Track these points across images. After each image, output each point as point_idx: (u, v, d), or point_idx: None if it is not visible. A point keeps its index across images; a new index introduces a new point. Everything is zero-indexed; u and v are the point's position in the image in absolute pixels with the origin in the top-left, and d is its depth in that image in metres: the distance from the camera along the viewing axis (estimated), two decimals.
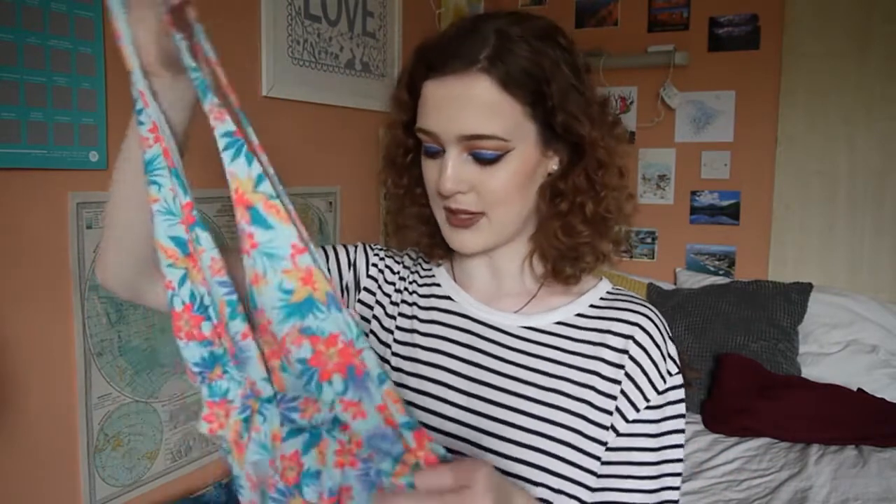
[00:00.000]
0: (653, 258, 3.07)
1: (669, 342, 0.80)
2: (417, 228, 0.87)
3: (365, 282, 0.90)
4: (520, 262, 0.84)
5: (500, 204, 0.76)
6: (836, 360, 2.50)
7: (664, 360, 0.79)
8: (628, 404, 0.77)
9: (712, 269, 2.96)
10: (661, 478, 0.77)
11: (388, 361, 0.85)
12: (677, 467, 0.78)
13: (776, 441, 2.21)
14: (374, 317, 0.88)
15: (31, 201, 1.39)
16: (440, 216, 0.80)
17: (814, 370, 2.49)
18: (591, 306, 0.82)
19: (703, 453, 2.15)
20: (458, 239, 0.79)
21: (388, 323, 0.88)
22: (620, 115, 0.84)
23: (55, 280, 1.44)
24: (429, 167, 0.79)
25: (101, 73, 1.48)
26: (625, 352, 0.78)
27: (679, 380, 0.80)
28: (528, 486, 0.75)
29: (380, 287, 0.90)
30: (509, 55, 0.72)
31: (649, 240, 3.07)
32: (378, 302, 0.89)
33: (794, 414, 2.22)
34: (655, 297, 2.81)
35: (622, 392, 0.77)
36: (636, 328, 0.79)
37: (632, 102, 3.04)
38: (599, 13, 3.07)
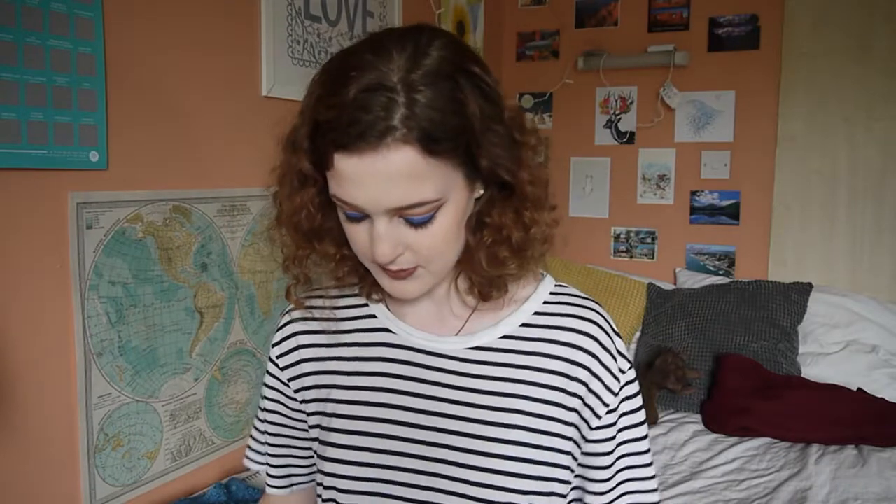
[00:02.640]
0: (653, 258, 3.07)
1: (617, 339, 0.80)
2: (342, 269, 0.81)
3: (300, 395, 0.87)
4: (450, 281, 0.81)
5: (438, 256, 0.73)
6: (836, 360, 2.50)
7: (615, 360, 0.79)
8: (591, 413, 0.78)
9: (712, 269, 2.96)
10: (621, 471, 0.81)
11: (339, 415, 0.82)
12: (641, 456, 0.81)
13: (776, 441, 2.21)
14: (315, 396, 0.86)
15: (31, 201, 1.39)
16: (372, 268, 0.76)
17: (814, 370, 2.49)
18: (536, 314, 0.80)
19: (703, 453, 2.15)
20: (398, 288, 0.75)
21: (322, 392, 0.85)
22: (525, 110, 0.78)
23: (55, 280, 1.44)
24: (355, 231, 0.72)
25: (101, 73, 1.48)
26: (577, 364, 0.78)
27: (632, 374, 0.80)
28: (510, 494, 0.75)
29: (303, 376, 0.87)
30: (426, 111, 0.64)
31: (649, 240, 3.07)
32: (312, 385, 0.86)
33: (794, 414, 2.22)
34: (655, 297, 2.81)
35: (583, 403, 0.78)
36: (585, 338, 0.78)
37: (632, 102, 3.04)
38: (599, 13, 3.07)
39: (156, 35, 1.61)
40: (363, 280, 0.82)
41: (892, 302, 2.63)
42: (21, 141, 1.34)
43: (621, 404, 0.79)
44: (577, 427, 0.78)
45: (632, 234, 3.09)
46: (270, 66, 1.91)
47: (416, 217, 0.69)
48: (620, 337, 0.81)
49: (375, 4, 2.33)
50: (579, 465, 0.80)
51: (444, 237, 0.71)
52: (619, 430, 0.80)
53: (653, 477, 0.82)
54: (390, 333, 0.83)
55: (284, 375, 0.88)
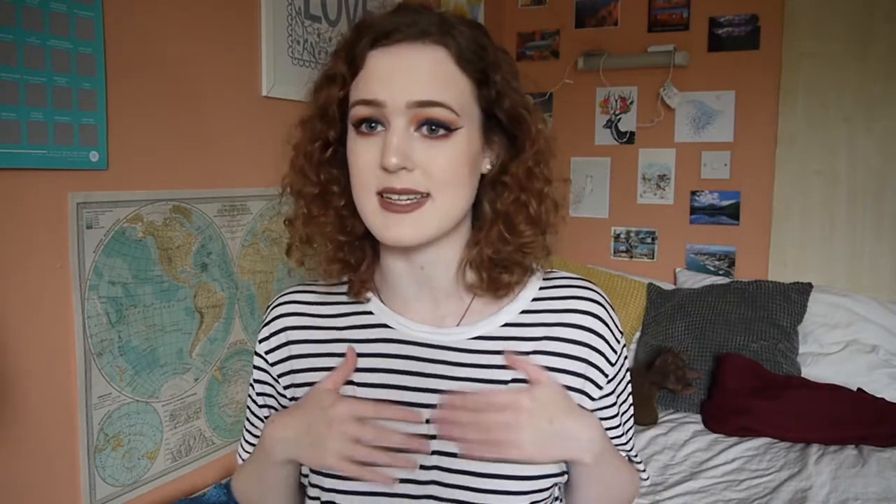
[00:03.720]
0: (653, 258, 3.07)
1: (613, 313, 0.83)
2: (334, 255, 0.79)
3: (289, 392, 0.86)
4: (454, 272, 0.80)
5: (448, 185, 0.72)
6: (836, 360, 2.50)
7: (612, 333, 0.82)
8: (593, 385, 0.80)
9: (712, 269, 2.96)
10: (627, 422, 0.87)
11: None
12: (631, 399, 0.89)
13: (776, 441, 2.21)
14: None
15: (31, 201, 1.39)
16: (371, 206, 0.72)
17: (814, 370, 2.49)
18: (534, 300, 0.81)
19: (703, 453, 2.15)
20: (396, 229, 0.71)
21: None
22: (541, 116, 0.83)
23: (55, 280, 1.44)
24: (362, 148, 0.72)
25: (101, 73, 1.48)
26: (584, 344, 0.80)
27: (622, 339, 0.84)
28: (509, 497, 0.76)
29: (294, 374, 0.85)
30: (458, 35, 0.73)
31: (649, 240, 3.07)
32: (304, 384, 0.84)
33: (794, 414, 2.22)
34: (655, 297, 2.81)
35: (586, 378, 0.80)
36: (586, 316, 0.80)
37: (632, 102, 3.04)
38: (599, 13, 3.06)
39: (156, 34, 1.61)
40: (355, 272, 0.81)
41: (892, 302, 2.62)
42: (21, 141, 1.34)
43: (619, 372, 0.83)
44: (580, 402, 0.80)
45: (632, 234, 3.09)
46: (270, 66, 1.91)
47: (434, 119, 0.70)
48: (614, 309, 0.84)
49: (375, 5, 2.33)
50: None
51: (457, 162, 0.72)
52: (619, 394, 0.84)
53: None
54: (388, 329, 0.81)
55: (274, 371, 0.86)
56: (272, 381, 0.87)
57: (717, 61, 2.88)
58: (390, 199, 0.71)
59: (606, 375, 0.81)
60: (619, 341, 0.83)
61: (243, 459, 0.93)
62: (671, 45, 2.90)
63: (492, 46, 0.76)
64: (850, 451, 2.10)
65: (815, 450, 2.12)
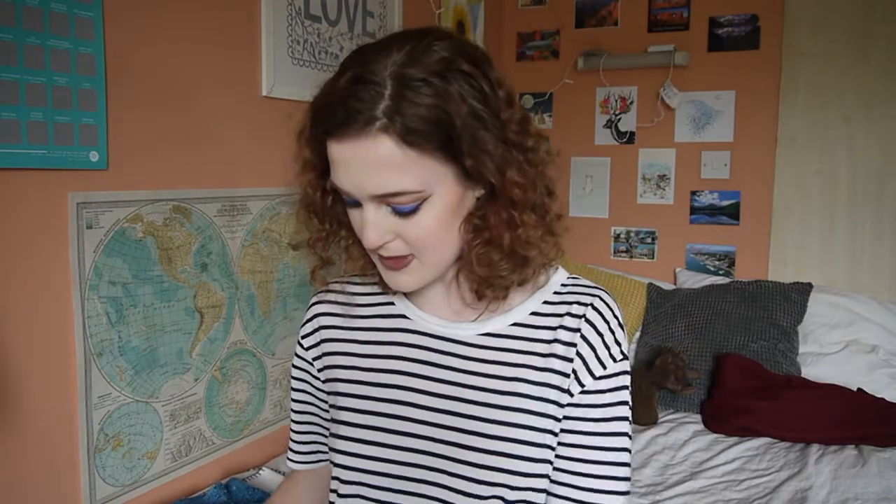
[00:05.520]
0: (653, 258, 3.07)
1: (619, 330, 0.81)
2: (358, 261, 0.86)
3: (322, 374, 0.93)
4: (454, 276, 0.84)
5: (428, 247, 0.75)
6: (836, 360, 2.50)
7: (612, 344, 0.79)
8: (576, 382, 0.79)
9: (712, 269, 2.96)
10: (598, 465, 0.79)
11: (353, 395, 0.85)
12: (623, 454, 0.79)
13: (776, 441, 2.21)
14: (333, 376, 0.90)
15: (31, 201, 1.39)
16: (376, 258, 0.79)
17: (814, 370, 2.49)
18: (545, 302, 0.83)
19: (703, 453, 2.15)
20: (395, 280, 0.78)
21: (343, 367, 0.89)
22: (527, 113, 0.77)
23: (55, 280, 1.44)
24: (354, 217, 0.77)
25: (101, 73, 1.48)
26: (577, 330, 0.80)
27: (625, 366, 0.81)
28: (508, 491, 0.77)
29: (325, 357, 0.92)
30: (409, 105, 0.67)
31: (649, 240, 3.07)
32: (331, 365, 0.91)
33: (794, 414, 2.22)
34: (655, 297, 2.81)
35: (573, 371, 0.79)
36: (588, 308, 0.80)
37: (632, 102, 3.04)
38: (599, 13, 3.07)
39: (156, 34, 1.61)
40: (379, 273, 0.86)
41: (892, 302, 2.63)
42: (21, 141, 1.34)
43: (612, 379, 0.80)
44: (562, 405, 0.80)
45: (632, 234, 3.09)
46: (270, 66, 1.90)
47: (399, 206, 0.72)
48: (624, 330, 0.82)
49: (375, 4, 2.32)
50: (560, 440, 0.81)
51: (431, 229, 0.73)
52: (606, 406, 0.79)
53: (628, 465, 0.81)
54: (407, 319, 0.86)
55: (309, 355, 0.93)
56: (307, 366, 0.94)
57: (717, 61, 2.88)
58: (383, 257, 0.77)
59: (582, 385, 0.79)
60: (613, 358, 0.79)
61: (291, 439, 1.00)
62: (671, 45, 2.91)
63: (455, 94, 0.69)
64: (850, 451, 2.10)
65: (815, 450, 2.12)
